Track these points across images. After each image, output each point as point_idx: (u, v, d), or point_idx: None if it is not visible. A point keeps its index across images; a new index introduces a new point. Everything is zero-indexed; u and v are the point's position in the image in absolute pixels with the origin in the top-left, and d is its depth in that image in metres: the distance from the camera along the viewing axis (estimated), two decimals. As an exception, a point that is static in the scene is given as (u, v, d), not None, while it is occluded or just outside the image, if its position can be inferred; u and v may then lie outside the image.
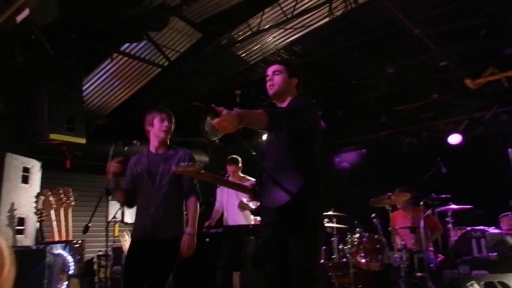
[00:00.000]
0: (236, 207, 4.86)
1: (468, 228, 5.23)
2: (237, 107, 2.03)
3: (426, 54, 5.68)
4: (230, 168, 4.98)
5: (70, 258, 3.75)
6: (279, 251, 2.41)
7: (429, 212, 5.30)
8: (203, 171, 2.66)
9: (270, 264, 2.48)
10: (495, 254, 4.84)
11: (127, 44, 4.90)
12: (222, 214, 5.12)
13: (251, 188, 2.72)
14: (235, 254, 4.66)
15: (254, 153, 2.46)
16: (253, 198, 2.73)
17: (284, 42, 5.57)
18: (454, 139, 6.73)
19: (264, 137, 4.14)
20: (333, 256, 5.19)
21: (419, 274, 4.67)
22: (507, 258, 4.74)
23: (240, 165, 5.05)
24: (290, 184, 2.29)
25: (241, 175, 5.06)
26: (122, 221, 5.29)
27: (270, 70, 2.60)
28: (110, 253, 4.29)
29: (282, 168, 2.39)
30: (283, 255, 2.38)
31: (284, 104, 2.56)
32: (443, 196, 5.20)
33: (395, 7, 4.52)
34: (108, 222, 3.88)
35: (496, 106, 6.41)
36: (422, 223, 4.95)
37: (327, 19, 5.02)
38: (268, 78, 2.59)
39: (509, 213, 5.31)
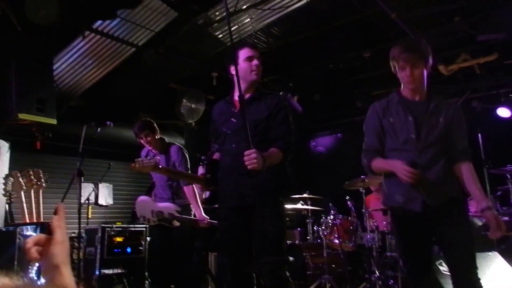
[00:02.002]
0: None
1: (438, 210, 5.38)
2: None
3: (402, 39, 5.70)
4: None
5: (41, 240, 3.67)
6: (241, 233, 2.48)
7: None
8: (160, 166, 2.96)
9: (231, 246, 2.52)
10: (462, 235, 5.01)
11: (99, 22, 4.73)
12: None
13: (202, 178, 2.78)
14: (211, 236, 4.67)
15: None
16: (204, 187, 2.78)
17: (262, 24, 5.49)
18: (427, 124, 6.87)
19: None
20: (308, 237, 5.28)
21: (390, 254, 4.81)
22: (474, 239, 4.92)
23: None
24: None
25: None
26: (96, 203, 5.21)
27: (258, 57, 2.63)
28: (83, 234, 4.23)
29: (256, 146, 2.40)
30: (245, 238, 2.46)
31: (250, 91, 2.64)
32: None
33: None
34: (80, 204, 3.81)
35: (468, 92, 6.56)
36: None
37: (305, 1, 4.97)
38: (256, 62, 2.60)
39: (477, 196, 5.48)
